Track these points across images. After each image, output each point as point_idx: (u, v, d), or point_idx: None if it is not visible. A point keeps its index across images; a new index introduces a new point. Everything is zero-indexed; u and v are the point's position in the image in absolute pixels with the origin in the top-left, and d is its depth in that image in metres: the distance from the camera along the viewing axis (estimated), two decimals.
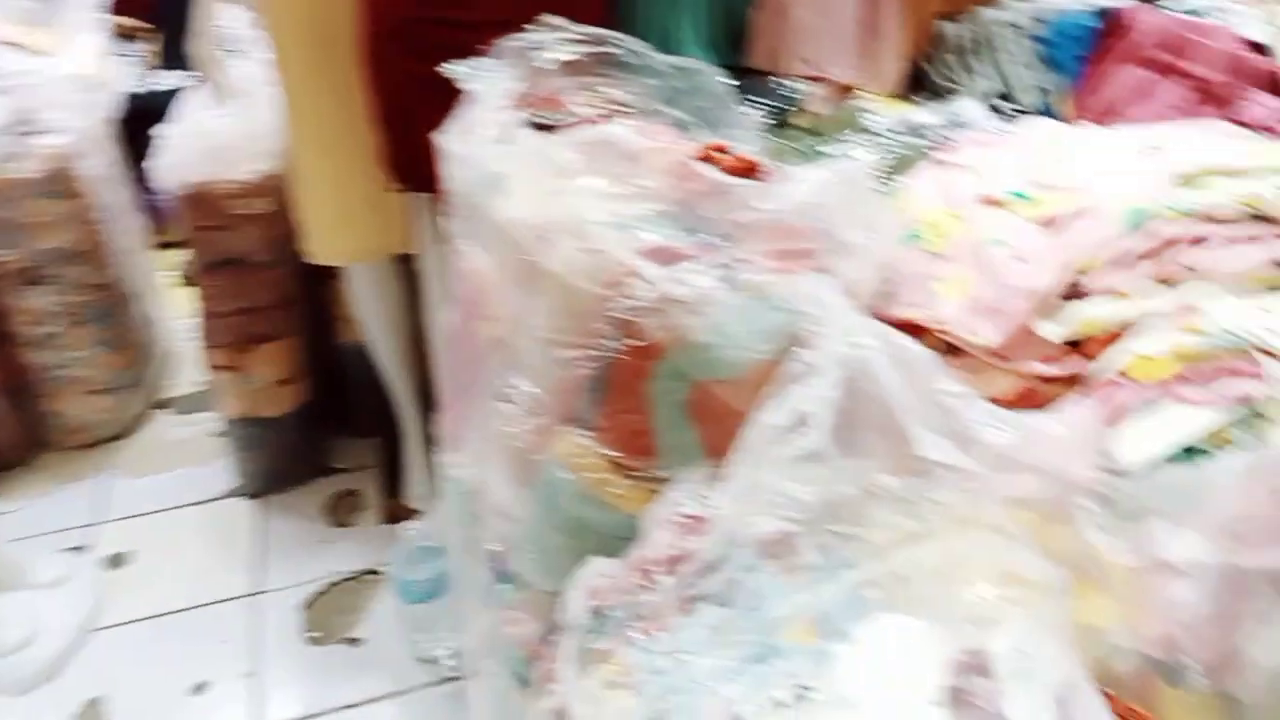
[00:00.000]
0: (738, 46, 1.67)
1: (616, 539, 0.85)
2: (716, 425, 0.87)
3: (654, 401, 0.87)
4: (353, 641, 1.86)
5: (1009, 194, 0.92)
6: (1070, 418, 0.74)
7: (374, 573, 1.98)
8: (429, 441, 1.75)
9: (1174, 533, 0.64)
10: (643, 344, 0.85)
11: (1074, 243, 0.84)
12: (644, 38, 1.38)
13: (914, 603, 0.67)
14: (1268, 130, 1.33)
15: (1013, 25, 1.74)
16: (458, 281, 1.10)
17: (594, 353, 0.88)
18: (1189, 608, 0.62)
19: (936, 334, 0.84)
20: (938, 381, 0.72)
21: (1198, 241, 0.80)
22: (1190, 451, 0.69)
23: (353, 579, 1.97)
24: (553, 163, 0.95)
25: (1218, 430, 0.68)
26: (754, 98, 1.52)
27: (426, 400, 1.77)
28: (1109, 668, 0.63)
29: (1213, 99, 1.45)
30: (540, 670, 0.87)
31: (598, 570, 0.82)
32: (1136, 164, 0.91)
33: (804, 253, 0.91)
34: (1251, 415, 0.67)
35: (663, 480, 0.90)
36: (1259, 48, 1.49)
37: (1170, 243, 0.81)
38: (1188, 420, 0.70)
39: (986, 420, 0.69)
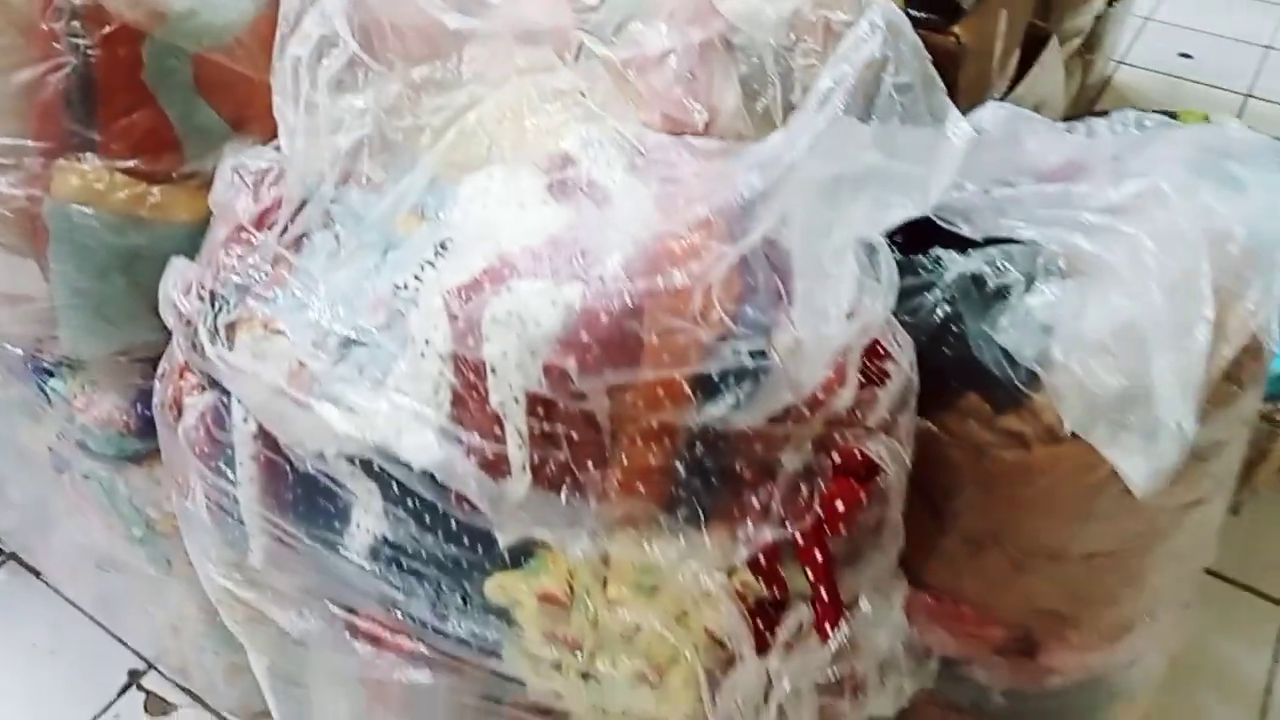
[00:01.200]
0: None
1: (174, 253, 0.83)
2: (231, 94, 0.86)
3: (158, 90, 0.83)
4: None
5: None
6: None
7: None
8: None
9: (650, 31, 0.83)
10: (119, 30, 0.79)
11: None
12: None
13: (491, 154, 0.80)
14: None
15: None
16: None
17: (62, 60, 0.80)
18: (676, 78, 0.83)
19: None
20: None
21: None
22: None
23: None
24: None
25: None
26: None
27: None
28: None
29: None
30: (165, 398, 0.85)
31: (183, 268, 0.81)
32: None
33: None
34: None
35: (196, 172, 0.88)
36: None
37: None
38: None
39: None
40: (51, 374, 1.03)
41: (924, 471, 0.81)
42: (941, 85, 0.64)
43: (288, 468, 0.78)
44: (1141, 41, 2.64)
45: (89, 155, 0.84)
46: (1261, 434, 1.29)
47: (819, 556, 0.65)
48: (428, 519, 0.74)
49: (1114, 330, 0.73)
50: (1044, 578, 0.88)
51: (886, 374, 0.65)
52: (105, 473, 1.08)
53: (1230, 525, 1.34)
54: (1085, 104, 2.28)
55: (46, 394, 1.03)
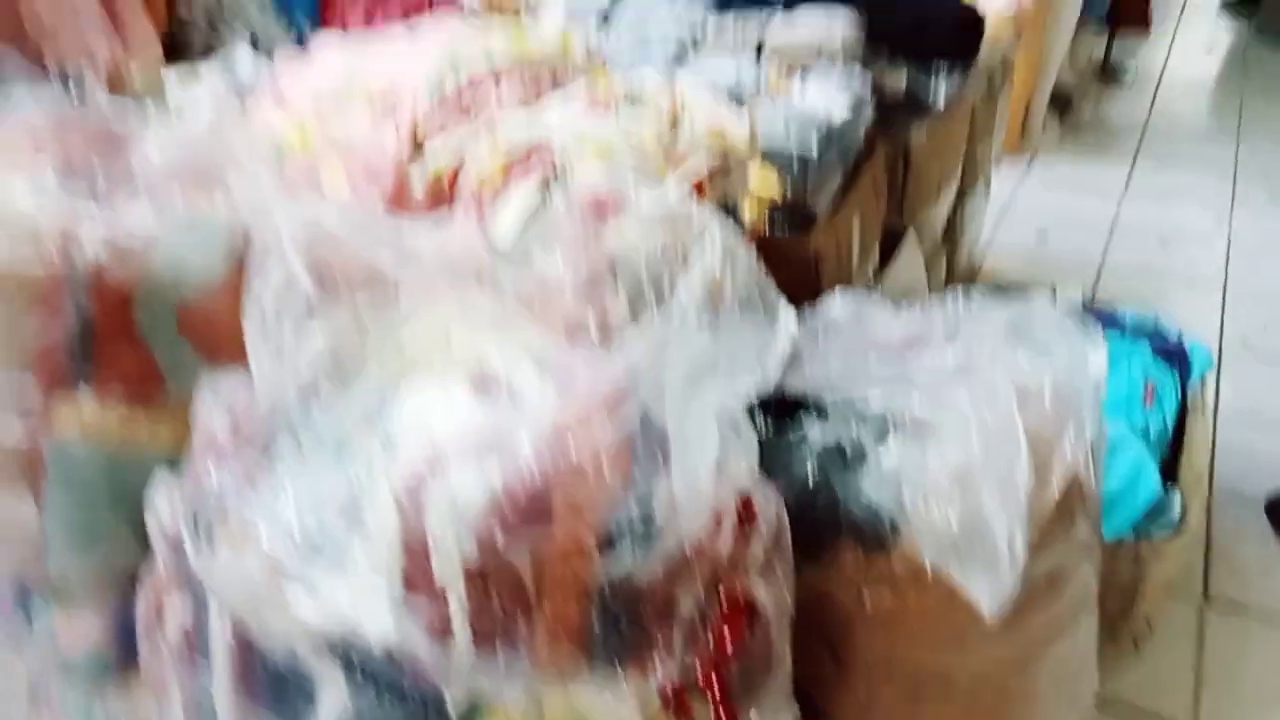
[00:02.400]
0: None
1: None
2: (209, 332, 1.03)
3: (148, 336, 0.98)
4: None
5: (340, 94, 1.20)
6: (458, 225, 1.07)
7: None
8: None
9: (550, 260, 1.02)
10: (112, 290, 0.96)
11: (403, 112, 1.16)
12: None
13: (424, 364, 0.96)
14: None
15: None
16: None
17: (66, 314, 0.96)
18: (572, 298, 1.01)
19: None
20: (377, 227, 0.99)
21: (476, 87, 1.18)
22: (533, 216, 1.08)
23: None
24: None
25: (542, 195, 1.08)
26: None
27: None
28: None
29: (417, 8, 1.89)
30: (147, 606, 0.95)
31: (167, 483, 0.94)
32: (416, 53, 1.26)
33: (204, 182, 1.09)
34: (556, 178, 1.08)
35: (181, 404, 1.03)
36: None
37: (460, 92, 1.18)
38: (523, 197, 1.08)
39: (416, 236, 0.99)
40: (32, 599, 1.12)
41: (818, 614, 0.93)
42: (773, 287, 0.82)
43: (260, 661, 0.88)
44: (1004, 227, 2.98)
45: (85, 390, 0.98)
46: (1132, 570, 1.42)
47: (717, 688, 0.77)
48: (387, 693, 0.84)
49: (951, 476, 0.89)
50: (938, 705, 0.98)
51: (757, 523, 0.79)
52: (83, 698, 1.14)
53: (1133, 655, 1.46)
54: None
55: (30, 618, 1.11)
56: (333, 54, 1.33)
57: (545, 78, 1.26)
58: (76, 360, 0.98)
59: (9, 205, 0.95)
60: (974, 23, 1.96)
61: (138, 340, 0.98)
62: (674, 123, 1.13)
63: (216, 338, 1.02)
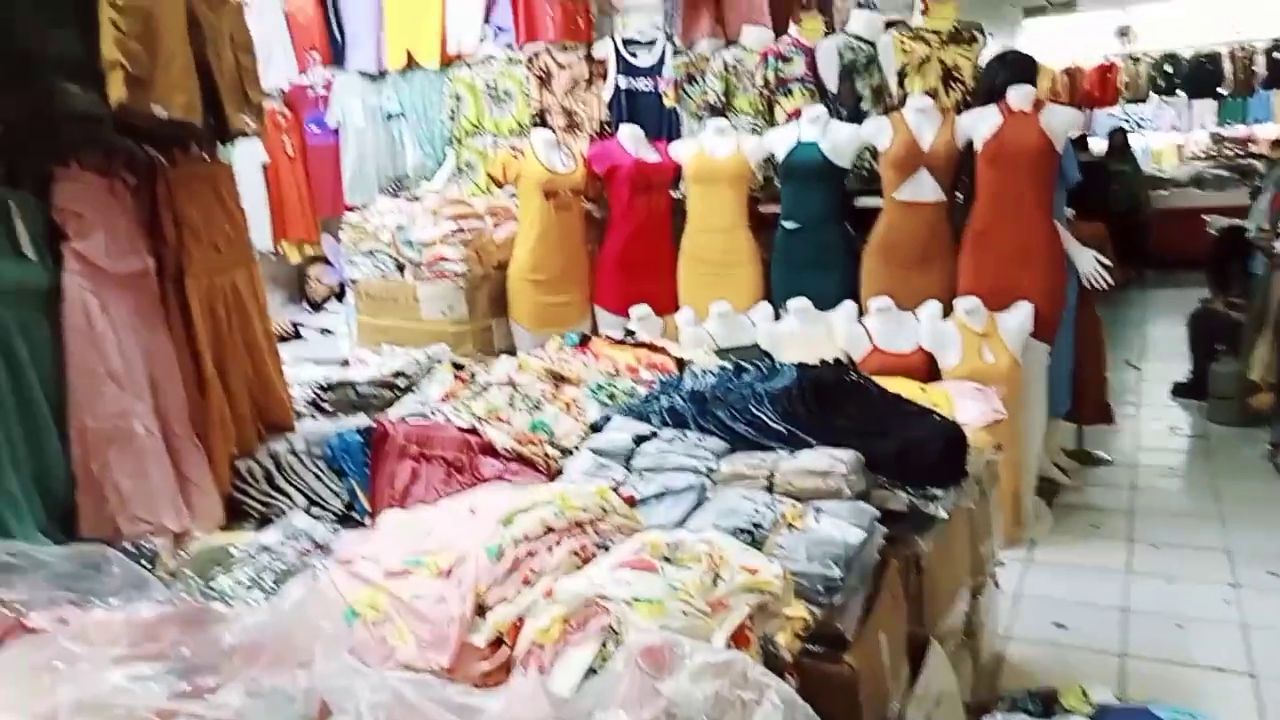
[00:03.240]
0: (69, 523, 1.78)
1: None
2: None
3: None
4: None
5: (407, 563, 1.32)
6: (520, 683, 1.14)
7: None
8: None
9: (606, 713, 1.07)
10: None
11: (466, 578, 1.27)
12: None
13: None
14: (501, 480, 1.99)
15: (296, 451, 2.20)
16: None
17: None
18: None
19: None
20: (445, 692, 1.06)
21: (532, 553, 1.31)
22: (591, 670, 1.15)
23: None
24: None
25: (599, 651, 1.16)
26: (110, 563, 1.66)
27: None
28: None
29: (458, 468, 2.09)
30: None
31: None
32: (472, 521, 1.40)
33: (285, 659, 1.17)
34: (612, 635, 1.16)
35: None
36: (473, 430, 2.19)
37: (518, 559, 1.30)
38: (582, 654, 1.16)
39: (484, 699, 1.05)
40: None
41: None
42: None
43: None
44: (1020, 618, 3.02)
45: None
46: None
47: None
48: None
49: None
50: None
51: None
52: None
53: None
54: (986, 681, 2.55)
55: None
56: (396, 523, 1.47)
57: (591, 534, 1.40)
58: None
59: (110, 696, 1.02)
60: (957, 440, 2.17)
61: None
62: (714, 575, 1.25)
63: None
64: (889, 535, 1.87)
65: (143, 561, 1.68)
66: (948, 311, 3.47)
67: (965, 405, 2.68)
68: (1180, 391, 5.26)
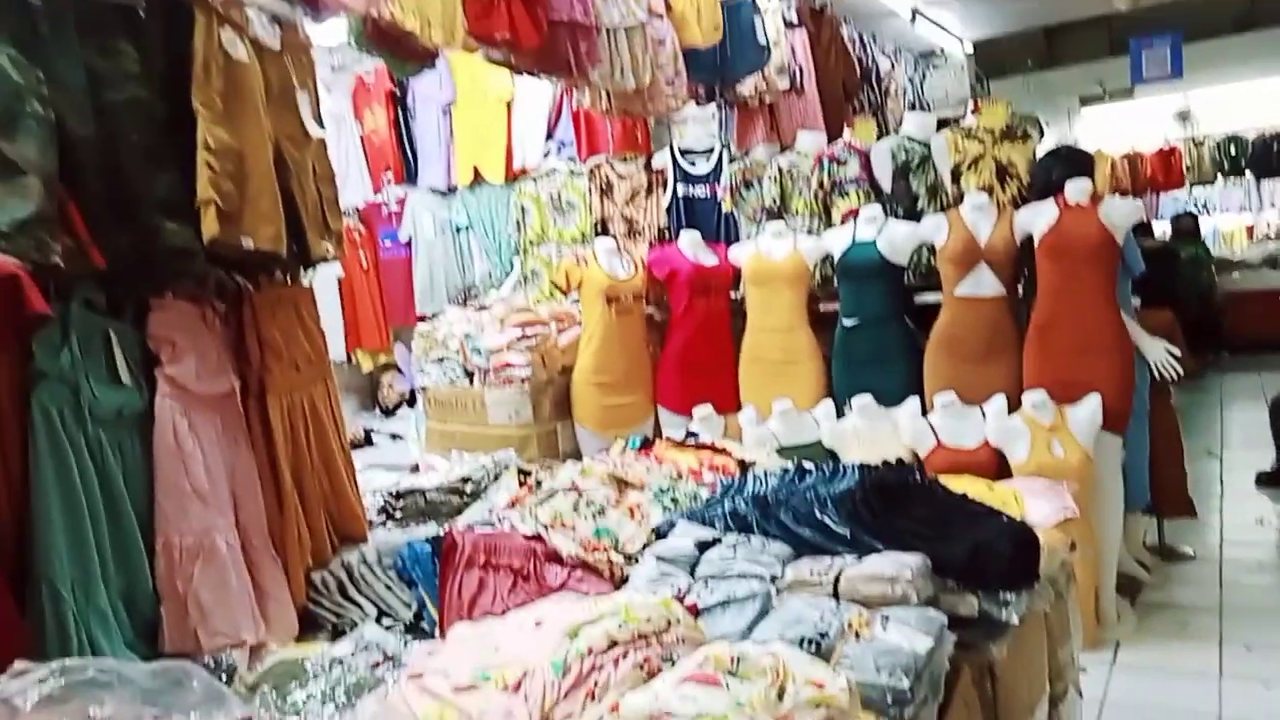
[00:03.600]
0: (153, 636, 1.85)
1: None
2: None
3: None
4: None
5: (475, 678, 1.35)
6: None
7: None
8: None
9: None
10: None
11: (534, 694, 1.29)
12: (67, 654, 1.55)
13: None
14: (566, 588, 2.02)
15: (368, 561, 2.26)
16: None
17: None
18: None
19: None
20: None
21: (598, 667, 1.33)
22: None
23: None
24: None
25: None
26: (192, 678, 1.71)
27: None
28: None
29: (524, 576, 2.12)
30: None
31: None
32: (538, 634, 1.43)
33: None
34: None
35: None
36: (538, 537, 2.23)
37: (583, 674, 1.32)
38: None
39: None
40: None
41: None
42: None
43: None
44: None
45: None
46: None
47: None
48: None
49: None
50: None
51: None
52: None
53: None
54: None
55: None
56: (465, 636, 1.50)
57: (656, 646, 1.41)
58: None
59: None
60: (1028, 541, 2.13)
61: None
62: (780, 689, 1.24)
63: None
64: (960, 642, 1.83)
65: (221, 675, 1.73)
66: (1014, 406, 3.43)
67: (1036, 503, 2.63)
68: (1265, 481, 5.06)
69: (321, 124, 2.32)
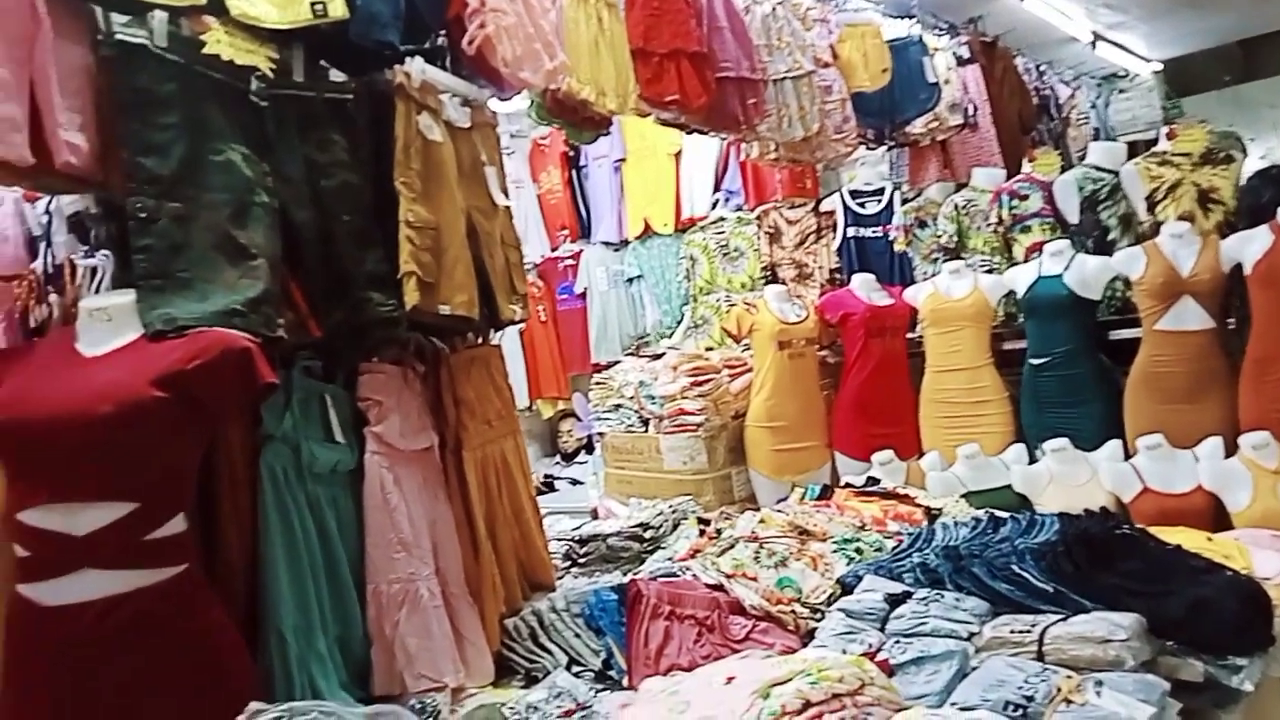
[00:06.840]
0: (365, 679, 1.97)
1: None
2: None
3: None
4: None
5: None
6: None
7: None
8: None
9: None
10: None
11: None
12: (291, 695, 1.66)
13: None
14: (750, 640, 2.01)
15: (557, 609, 2.33)
16: None
17: None
18: None
19: None
20: None
21: None
22: None
23: None
24: None
25: None
26: None
27: None
28: None
29: (708, 627, 2.12)
30: None
31: None
32: (728, 691, 1.43)
33: None
34: None
35: None
36: (720, 587, 2.23)
37: None
38: None
39: None
40: None
41: None
42: None
43: None
44: None
45: None
46: None
47: None
48: None
49: None
50: None
51: None
52: None
53: None
54: None
55: None
56: (656, 692, 1.52)
57: (850, 707, 1.38)
58: None
59: None
60: (1256, 598, 1.95)
61: None
62: None
63: None
64: (1184, 710, 1.69)
65: (428, 717, 1.82)
66: (1230, 448, 3.15)
67: (1264, 556, 2.40)
68: None
69: (506, 194, 2.46)
